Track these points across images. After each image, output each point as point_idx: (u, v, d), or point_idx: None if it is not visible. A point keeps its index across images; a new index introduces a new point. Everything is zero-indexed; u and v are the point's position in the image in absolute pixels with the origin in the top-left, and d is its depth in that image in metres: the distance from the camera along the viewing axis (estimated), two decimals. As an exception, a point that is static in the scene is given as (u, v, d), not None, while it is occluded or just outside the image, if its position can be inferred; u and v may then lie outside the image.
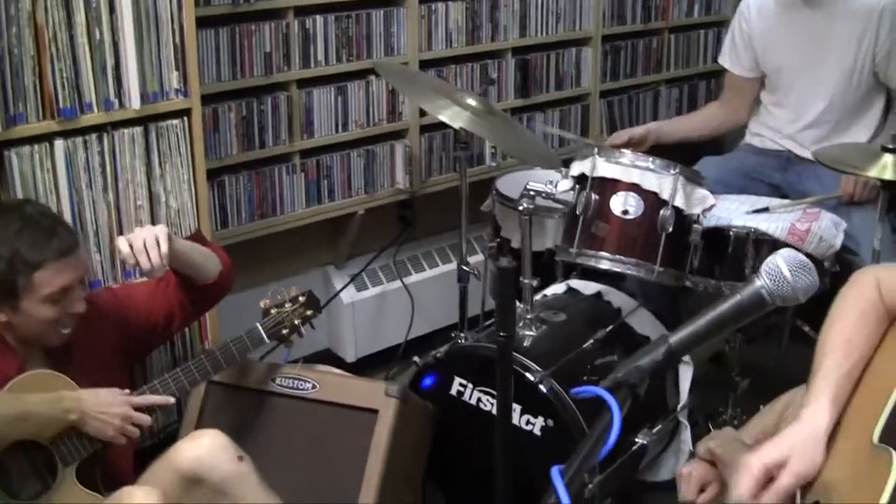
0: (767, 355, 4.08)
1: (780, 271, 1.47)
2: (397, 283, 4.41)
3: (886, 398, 1.79)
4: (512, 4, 4.50)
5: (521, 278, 3.28)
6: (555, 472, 1.19)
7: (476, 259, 4.32)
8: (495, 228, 3.93)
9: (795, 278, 1.47)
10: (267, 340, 3.00)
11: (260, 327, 2.98)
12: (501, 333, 2.10)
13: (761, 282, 1.47)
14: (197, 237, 3.15)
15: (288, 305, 3.02)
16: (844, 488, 1.69)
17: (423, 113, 4.21)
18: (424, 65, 4.26)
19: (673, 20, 5.28)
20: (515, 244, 3.77)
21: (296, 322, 3.02)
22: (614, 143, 4.03)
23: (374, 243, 4.41)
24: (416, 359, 3.49)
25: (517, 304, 3.41)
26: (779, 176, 4.19)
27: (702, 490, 2.46)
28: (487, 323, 3.51)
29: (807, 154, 4.09)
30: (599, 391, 1.37)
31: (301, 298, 3.05)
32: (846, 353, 1.96)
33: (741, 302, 1.47)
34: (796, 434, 1.87)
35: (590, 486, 3.01)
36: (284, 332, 3.01)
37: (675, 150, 4.06)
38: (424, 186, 4.36)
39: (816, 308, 3.57)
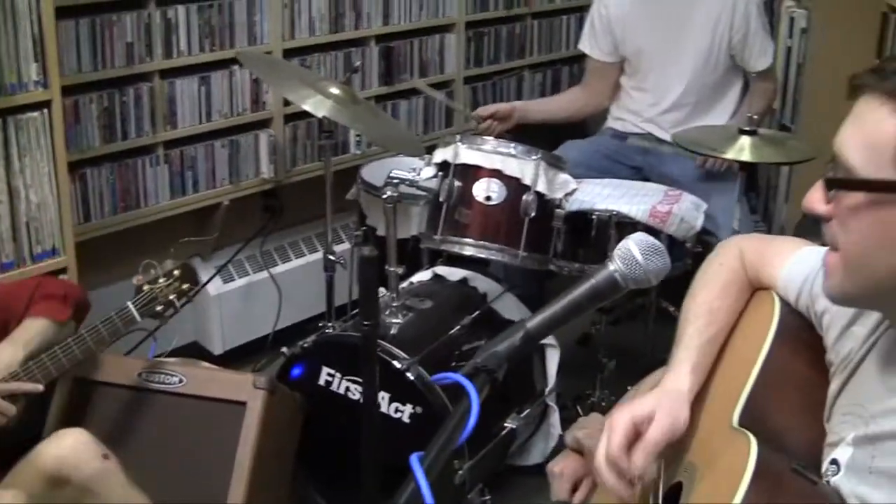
0: (634, 336, 4.14)
1: (633, 255, 1.49)
2: (264, 274, 4.38)
3: (746, 379, 1.80)
4: (375, -9, 4.50)
5: (386, 266, 3.28)
6: (414, 458, 1.19)
7: (342, 248, 4.30)
8: (361, 217, 3.92)
9: (647, 262, 1.49)
10: (139, 319, 2.85)
11: (131, 305, 2.84)
12: (365, 322, 2.11)
13: (614, 266, 1.49)
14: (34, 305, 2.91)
15: (162, 280, 2.88)
16: (704, 470, 1.70)
17: (287, 102, 4.19)
18: (288, 53, 4.24)
19: (536, 6, 5.33)
20: (381, 232, 3.76)
21: (171, 297, 2.89)
22: (480, 114, 4.07)
23: (240, 234, 4.37)
24: (284, 349, 3.47)
25: (383, 291, 3.42)
26: (640, 158, 4.26)
27: (575, 487, 2.48)
28: (354, 312, 3.51)
29: (667, 137, 4.16)
30: (457, 377, 1.37)
31: (176, 272, 2.91)
32: (708, 321, 1.96)
33: (596, 286, 1.49)
34: (661, 394, 1.85)
35: (460, 472, 3.02)
36: (159, 308, 2.88)
37: (538, 135, 4.09)
38: (290, 176, 4.33)
39: (681, 289, 3.67)
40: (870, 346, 1.66)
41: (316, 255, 4.49)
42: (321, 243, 4.50)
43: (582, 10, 5.56)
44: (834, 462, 1.62)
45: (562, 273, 3.41)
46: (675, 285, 3.48)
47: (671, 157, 4.12)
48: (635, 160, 4.25)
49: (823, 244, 2.04)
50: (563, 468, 2.47)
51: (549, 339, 3.57)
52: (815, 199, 1.47)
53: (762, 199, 4.85)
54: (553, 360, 3.55)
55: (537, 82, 5.44)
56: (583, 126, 4.94)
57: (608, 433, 1.81)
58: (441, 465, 1.21)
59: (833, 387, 1.73)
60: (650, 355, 4.12)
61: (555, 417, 3.55)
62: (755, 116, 3.32)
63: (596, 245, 3.40)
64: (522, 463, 3.59)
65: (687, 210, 3.49)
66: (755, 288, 2.05)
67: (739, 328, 2.02)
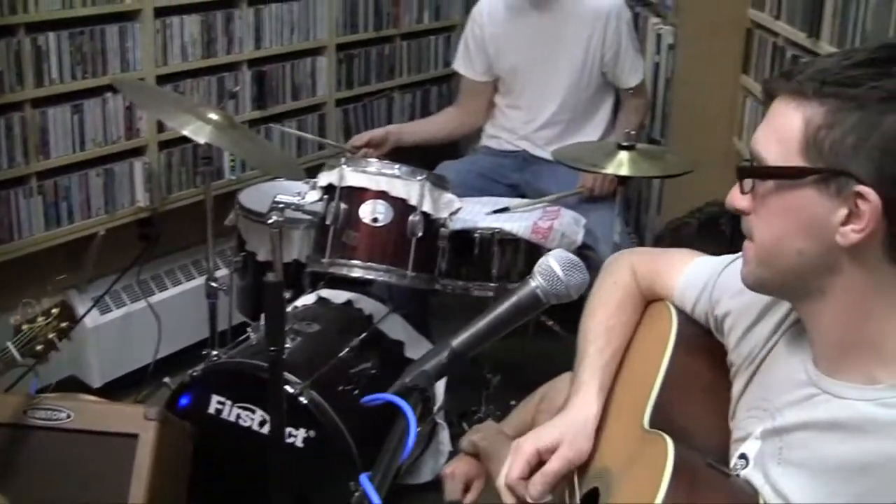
0: (514, 351, 4.18)
1: (554, 271, 1.52)
2: (142, 304, 4.30)
3: (651, 385, 1.86)
4: (246, 16, 4.47)
5: (274, 291, 3.26)
6: (364, 479, 1.21)
7: (221, 273, 4.26)
8: (240, 242, 3.89)
9: (569, 277, 1.52)
10: (20, 360, 2.82)
11: (11, 346, 2.80)
12: (272, 348, 2.11)
13: (536, 282, 1.52)
14: None
15: (41, 319, 2.86)
16: (621, 474, 1.74)
17: (161, 129, 4.14)
18: (161, 80, 4.18)
19: (404, 27, 5.36)
20: (262, 257, 3.76)
21: (50, 336, 2.87)
22: (355, 145, 4.07)
23: (117, 264, 4.28)
24: (166, 379, 3.43)
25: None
26: (516, 176, 4.31)
27: (467, 488, 2.52)
28: (240, 338, 3.47)
29: (542, 153, 4.24)
30: (391, 398, 1.39)
31: (55, 311, 2.89)
32: (607, 340, 2.03)
33: (518, 303, 1.52)
34: (567, 421, 1.91)
35: (356, 493, 3.02)
36: (39, 348, 2.86)
37: (411, 157, 4.13)
38: (166, 203, 4.28)
39: (559, 304, 3.72)
40: (774, 343, 1.73)
41: (194, 283, 4.45)
42: (198, 270, 4.47)
43: (449, 31, 5.63)
44: (742, 456, 1.68)
45: (445, 291, 3.42)
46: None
47: (547, 174, 4.18)
48: (512, 178, 4.30)
49: (716, 254, 2.15)
50: (454, 469, 2.53)
51: (435, 358, 3.59)
52: (735, 196, 1.57)
53: (633, 211, 4.94)
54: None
55: (407, 103, 5.47)
56: (455, 146, 4.99)
57: (512, 459, 1.87)
58: (388, 484, 1.22)
59: (737, 385, 1.80)
60: (531, 369, 4.18)
61: (444, 435, 3.57)
62: (632, 131, 3.39)
63: (480, 263, 3.44)
64: (413, 481, 3.59)
65: (567, 225, 3.56)
66: (649, 300, 2.12)
67: (638, 339, 2.08)
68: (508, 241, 3.44)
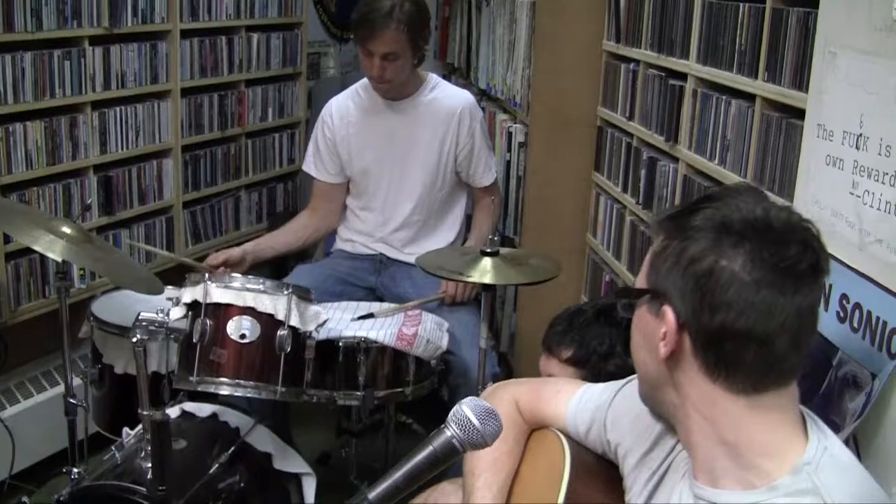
0: (374, 450, 4.16)
1: (469, 420, 1.51)
2: (-7, 419, 4.15)
3: None
4: (91, 121, 4.40)
5: (139, 410, 3.17)
6: None
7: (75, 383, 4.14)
8: (95, 354, 3.78)
9: (484, 426, 1.52)
10: None
11: None
12: (160, 487, 2.05)
13: (451, 431, 1.51)
14: None
15: None
16: None
17: (7, 240, 4.02)
18: (6, 189, 4.08)
19: (248, 125, 5.34)
20: (119, 370, 3.66)
21: None
22: (211, 264, 3.94)
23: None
24: (24, 499, 3.30)
25: (129, 433, 3.32)
26: (373, 279, 4.28)
27: None
28: (106, 457, 3.36)
29: (399, 256, 4.23)
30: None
31: None
32: (495, 472, 2.07)
33: (434, 453, 1.51)
34: None
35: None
36: None
37: (264, 266, 4.10)
38: (14, 316, 4.14)
39: (422, 405, 3.72)
40: (667, 468, 1.79)
41: (46, 394, 4.33)
42: (48, 381, 4.34)
43: (293, 127, 5.63)
44: None
45: (312, 401, 3.38)
46: (417, 401, 3.57)
47: (405, 277, 4.18)
48: (368, 281, 4.27)
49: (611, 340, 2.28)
50: None
51: (304, 468, 3.54)
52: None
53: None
54: (310, 488, 3.52)
55: (254, 201, 5.45)
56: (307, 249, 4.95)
57: None
58: None
59: None
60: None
61: (315, 544, 3.52)
62: (494, 238, 3.41)
63: (345, 371, 3.42)
64: None
65: (431, 331, 3.56)
66: (532, 429, 2.16)
67: (528, 468, 2.12)
68: (373, 349, 3.42)
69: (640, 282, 1.67)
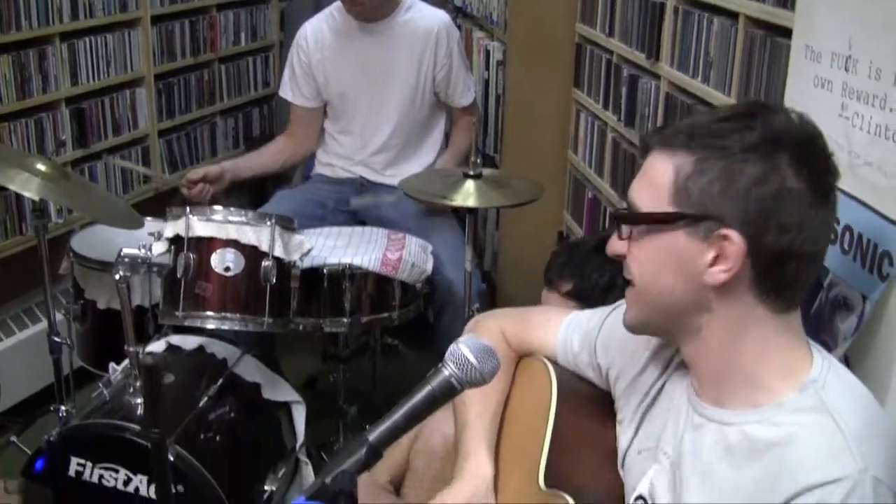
0: (362, 373, 4.18)
1: (467, 359, 1.51)
2: (-25, 359, 4.14)
3: (540, 440, 1.89)
4: (60, 52, 4.33)
5: (126, 346, 3.16)
6: None
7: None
8: (77, 290, 3.76)
9: (482, 364, 1.51)
10: None
11: None
12: (154, 430, 2.04)
13: (449, 371, 1.50)
14: None
15: None
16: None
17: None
18: (-24, 127, 4.02)
19: (221, 50, 5.28)
20: (102, 305, 3.64)
21: None
22: (190, 179, 3.90)
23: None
24: (13, 438, 3.30)
25: (116, 368, 3.32)
26: (355, 202, 4.26)
27: None
28: (94, 394, 3.35)
29: (380, 179, 4.21)
30: (322, 511, 1.36)
31: None
32: (485, 403, 2.06)
33: (433, 392, 1.50)
34: (469, 489, 1.94)
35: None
36: None
37: (243, 187, 4.07)
38: (-8, 254, 4.12)
39: (408, 327, 3.73)
40: (660, 388, 1.80)
41: (28, 331, 4.32)
42: (30, 318, 4.33)
43: (267, 51, 5.57)
44: (640, 498, 1.75)
45: (298, 329, 3.37)
46: (403, 324, 3.57)
47: (386, 200, 4.16)
48: (350, 205, 4.26)
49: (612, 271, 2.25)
50: None
51: (294, 396, 3.55)
52: (614, 243, 1.68)
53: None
54: (300, 415, 3.53)
55: (230, 127, 5.40)
56: (286, 172, 4.92)
57: None
58: None
59: (626, 433, 1.86)
60: (384, 393, 4.18)
61: (307, 471, 3.53)
62: (477, 160, 3.38)
63: (331, 298, 3.41)
64: (280, 521, 3.55)
65: (416, 254, 3.55)
66: (520, 357, 2.16)
67: (516, 397, 2.12)
68: (358, 275, 3.41)
69: (657, 204, 1.58)
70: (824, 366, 1.57)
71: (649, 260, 1.62)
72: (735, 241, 1.51)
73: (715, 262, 1.54)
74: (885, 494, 1.44)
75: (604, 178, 3.93)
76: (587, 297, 2.45)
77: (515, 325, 2.17)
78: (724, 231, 1.52)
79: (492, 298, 4.48)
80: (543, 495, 1.78)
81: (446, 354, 1.54)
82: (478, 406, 2.05)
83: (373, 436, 1.50)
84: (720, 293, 1.56)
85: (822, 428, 1.49)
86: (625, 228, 1.64)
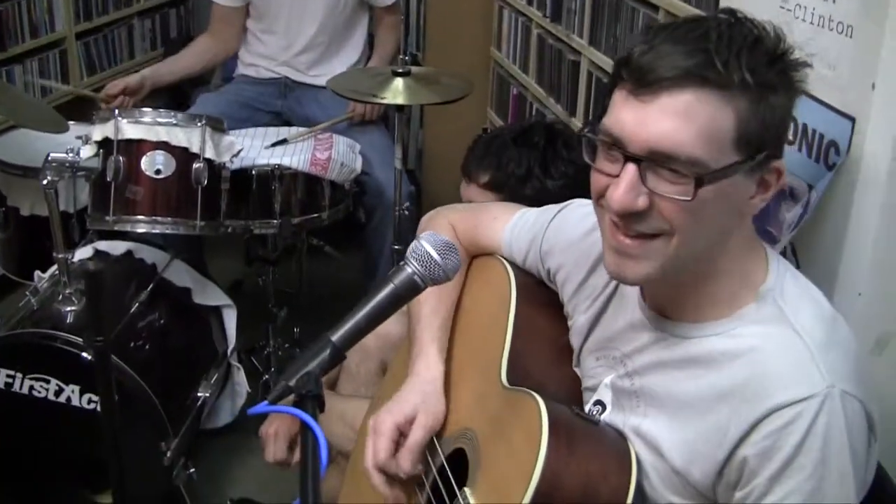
0: (291, 277, 4.17)
1: (430, 255, 1.50)
2: None
3: (501, 341, 1.88)
4: (-28, -49, 4.21)
5: (54, 253, 3.11)
6: (297, 504, 1.18)
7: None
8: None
9: (445, 260, 1.51)
10: None
11: None
12: (97, 338, 2.03)
13: (412, 268, 1.49)
14: None
15: None
16: (489, 434, 1.75)
17: None
18: None
19: (135, -51, 5.17)
20: (25, 212, 3.59)
21: None
22: (109, 93, 3.82)
23: None
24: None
25: (41, 276, 3.28)
26: (279, 103, 4.22)
27: (291, 446, 2.49)
28: (21, 303, 3.30)
29: (304, 79, 4.17)
30: (290, 410, 1.35)
31: None
32: (439, 299, 2.04)
33: (396, 290, 1.49)
34: (417, 389, 1.92)
35: (168, 453, 2.98)
36: None
37: (164, 91, 4.01)
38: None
39: (336, 229, 3.72)
40: (610, 293, 1.78)
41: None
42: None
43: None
44: (598, 403, 1.74)
45: (227, 232, 3.34)
46: (331, 225, 3.55)
47: (311, 99, 4.13)
48: (275, 105, 4.21)
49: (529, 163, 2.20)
50: (276, 429, 2.49)
51: (224, 300, 3.54)
52: (630, 199, 1.45)
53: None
54: (231, 319, 3.54)
55: (147, 29, 5.30)
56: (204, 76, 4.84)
57: (373, 439, 1.86)
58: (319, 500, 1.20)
59: (577, 336, 1.85)
60: (311, 295, 4.18)
61: (240, 376, 3.54)
62: (405, 57, 3.36)
63: (260, 200, 3.38)
64: (213, 426, 3.55)
65: (345, 154, 3.53)
66: (472, 256, 2.15)
67: (471, 295, 2.11)
68: (287, 176, 3.39)
69: (721, 156, 1.42)
70: (780, 271, 1.56)
71: (702, 208, 1.43)
72: (782, 170, 1.48)
73: (756, 192, 1.49)
74: (854, 406, 1.44)
75: (529, 73, 3.93)
76: (503, 186, 2.43)
77: (465, 220, 2.15)
78: (776, 164, 1.48)
79: (418, 198, 4.48)
80: (506, 394, 1.77)
81: (408, 251, 1.53)
82: (432, 302, 2.03)
83: (336, 336, 1.49)
84: (743, 220, 1.54)
85: (784, 342, 1.48)
86: (664, 185, 1.44)
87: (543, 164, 2.42)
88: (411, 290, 1.51)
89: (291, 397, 1.42)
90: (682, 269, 1.53)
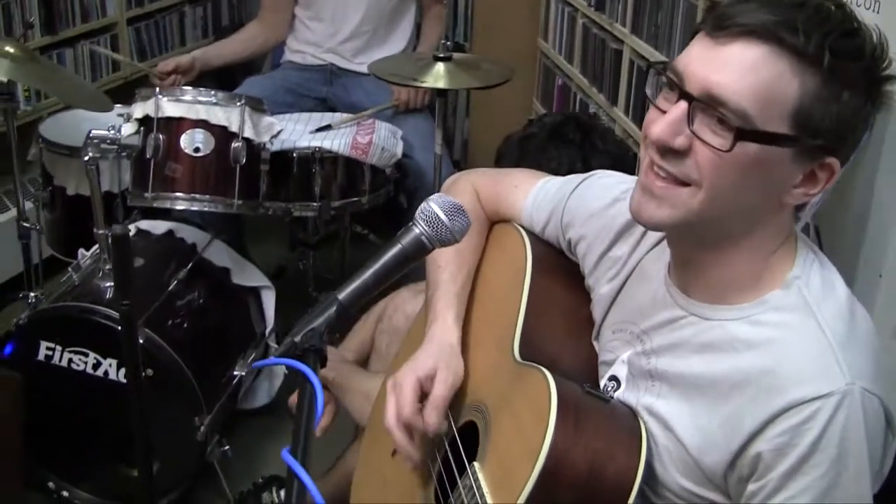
0: (333, 264, 4.18)
1: (438, 217, 1.49)
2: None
3: (515, 311, 1.87)
4: (28, -65, 4.26)
5: (95, 229, 3.15)
6: (285, 455, 1.18)
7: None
8: (46, 177, 3.73)
9: (453, 222, 1.50)
10: None
11: None
12: (123, 302, 2.04)
13: (419, 229, 1.49)
14: None
15: None
16: (499, 409, 1.74)
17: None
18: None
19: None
20: (71, 191, 3.63)
21: None
22: (162, 71, 3.89)
23: None
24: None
25: (84, 253, 3.32)
26: (325, 89, 4.25)
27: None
28: (63, 279, 3.34)
29: (350, 66, 4.19)
30: (292, 363, 1.36)
31: None
32: (458, 265, 2.03)
33: (404, 250, 1.49)
34: (435, 348, 1.91)
35: (201, 428, 3.00)
36: None
37: (211, 75, 4.03)
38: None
39: (372, 212, 3.72)
40: (633, 266, 1.77)
41: (-7, 218, 4.28)
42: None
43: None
44: (613, 378, 1.73)
45: (268, 213, 3.37)
46: (371, 210, 3.56)
47: (356, 86, 4.15)
48: (320, 91, 4.24)
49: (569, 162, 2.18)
50: None
51: (263, 281, 3.56)
52: (669, 133, 1.45)
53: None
54: (269, 301, 3.55)
55: (199, 16, 5.33)
56: (258, 61, 4.88)
57: (396, 395, 1.85)
58: (310, 454, 1.20)
59: (599, 308, 1.84)
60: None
61: (278, 356, 3.55)
62: (447, 43, 3.37)
63: (301, 182, 3.43)
64: (250, 406, 3.57)
65: (386, 139, 3.55)
66: (493, 222, 2.14)
67: (489, 263, 2.10)
68: (328, 159, 3.41)
69: (773, 122, 1.39)
70: (808, 259, 1.53)
71: (737, 169, 1.42)
72: (835, 171, 1.44)
73: (801, 183, 1.45)
74: (874, 404, 1.42)
75: (574, 64, 3.93)
76: None
77: (489, 186, 2.13)
78: (830, 160, 1.44)
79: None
80: (517, 369, 1.76)
81: (416, 212, 1.52)
82: (451, 268, 2.02)
83: (342, 294, 1.49)
84: (784, 210, 1.51)
85: (806, 334, 1.46)
86: (711, 135, 1.42)
87: (585, 159, 2.41)
88: (419, 251, 1.50)
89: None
90: (701, 234, 1.52)
